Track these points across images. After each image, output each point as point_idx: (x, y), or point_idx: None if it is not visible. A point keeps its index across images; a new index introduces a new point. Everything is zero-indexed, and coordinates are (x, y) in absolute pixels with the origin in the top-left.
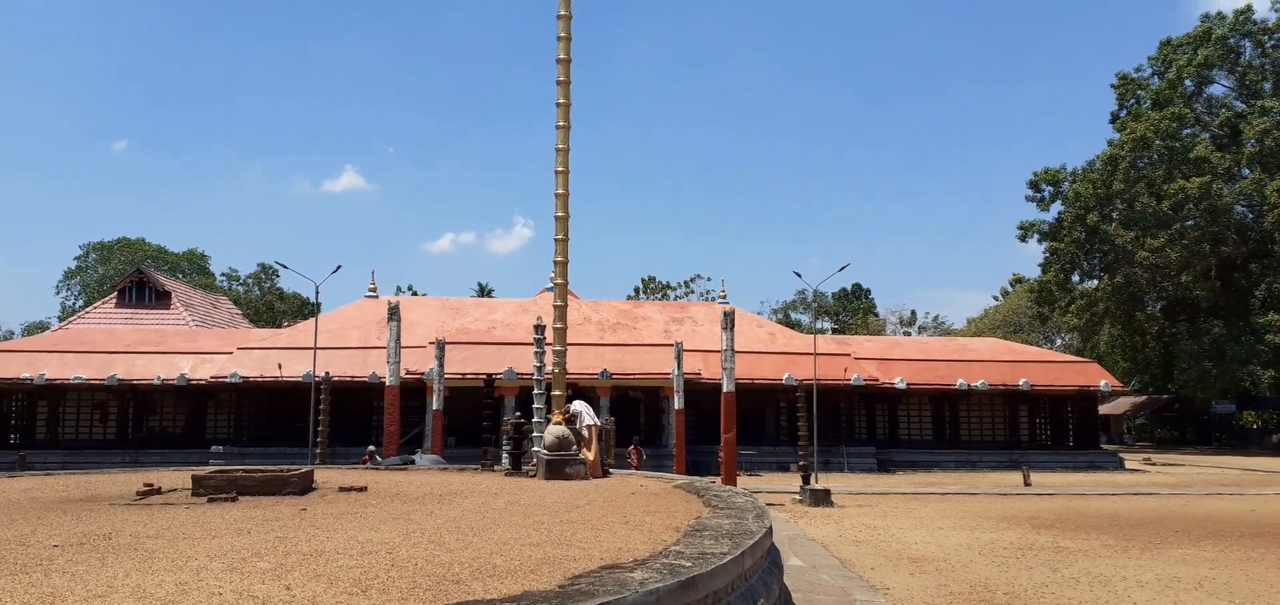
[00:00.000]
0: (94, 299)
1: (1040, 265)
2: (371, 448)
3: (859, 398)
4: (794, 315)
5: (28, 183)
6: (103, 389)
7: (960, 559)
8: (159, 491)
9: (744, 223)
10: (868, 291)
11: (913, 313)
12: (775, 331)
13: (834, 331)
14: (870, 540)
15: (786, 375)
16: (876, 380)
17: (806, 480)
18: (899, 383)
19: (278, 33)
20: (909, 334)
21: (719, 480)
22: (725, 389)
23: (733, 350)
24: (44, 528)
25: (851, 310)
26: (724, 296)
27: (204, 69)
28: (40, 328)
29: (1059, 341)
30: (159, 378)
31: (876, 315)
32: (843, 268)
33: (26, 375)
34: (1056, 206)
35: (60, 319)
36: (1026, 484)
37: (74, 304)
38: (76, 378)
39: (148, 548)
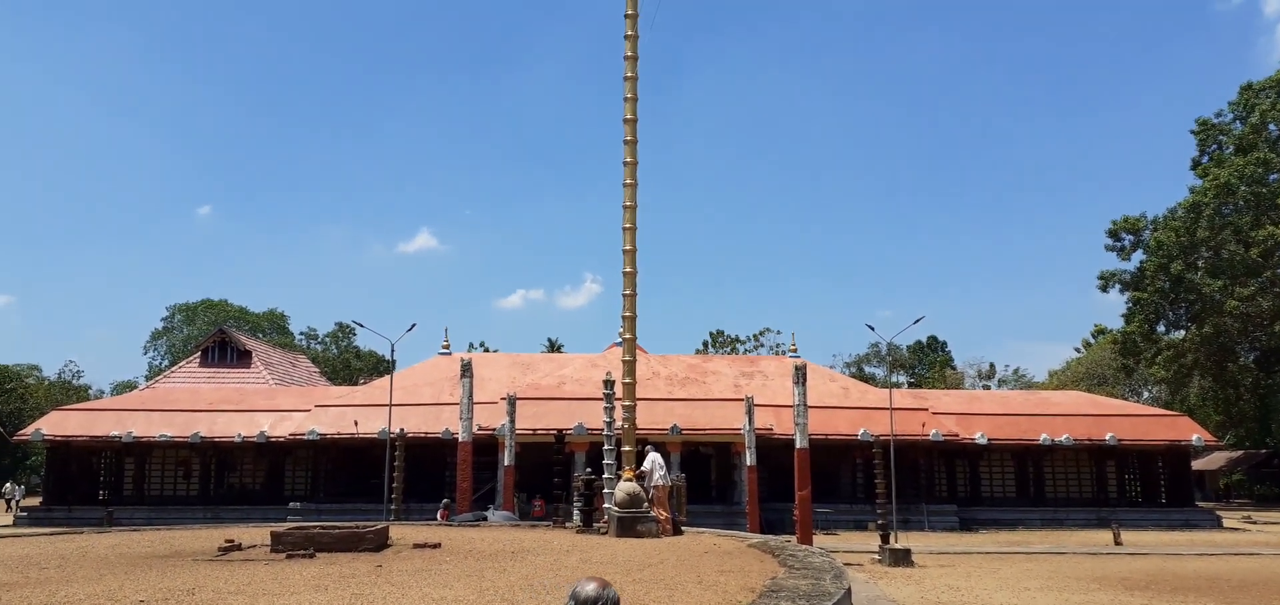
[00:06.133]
0: (179, 359)
1: (1123, 315)
2: (445, 501)
3: (938, 454)
4: (867, 369)
5: (117, 248)
6: (186, 446)
7: None
8: (239, 547)
9: (814, 276)
10: (944, 344)
11: (991, 365)
12: (849, 386)
13: (909, 386)
14: (954, 602)
15: (862, 431)
16: (956, 436)
17: (885, 539)
18: (980, 438)
19: (353, 102)
20: (988, 387)
21: (794, 539)
22: (799, 445)
23: (805, 405)
24: (131, 583)
25: (927, 363)
26: (795, 350)
27: (283, 137)
28: (128, 387)
29: (1146, 394)
30: (239, 435)
31: (954, 368)
32: (917, 321)
33: (115, 433)
34: (1138, 255)
35: (147, 378)
36: (1117, 543)
37: (160, 364)
38: (162, 435)
39: None
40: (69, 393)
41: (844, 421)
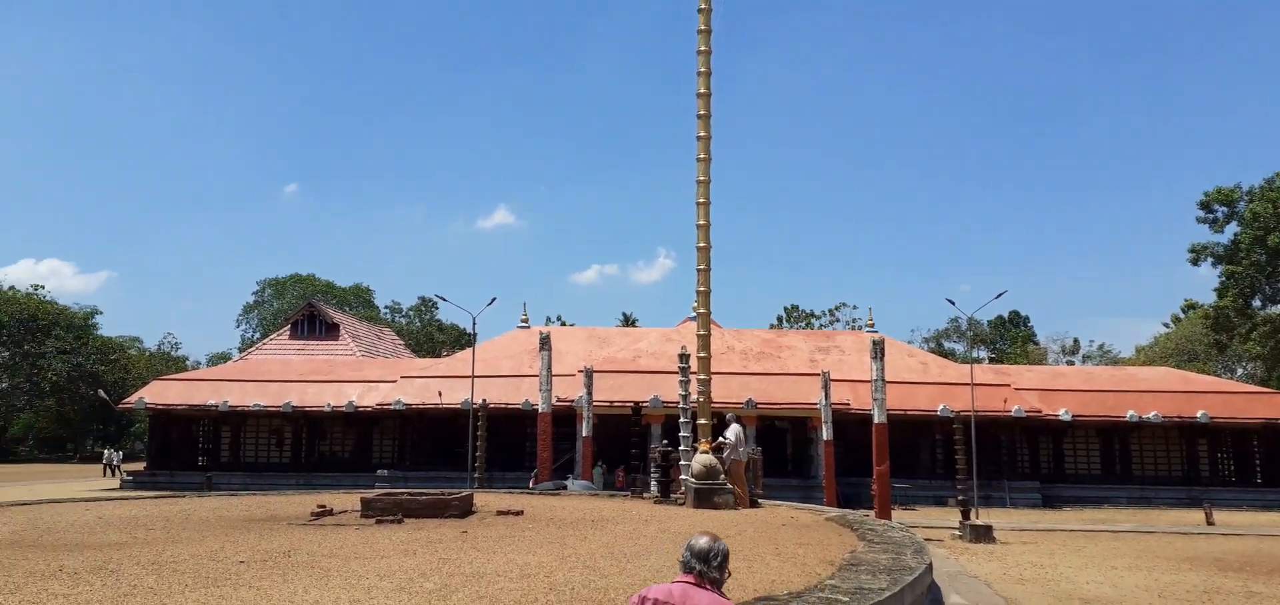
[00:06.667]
0: (270, 331)
1: (1216, 290)
2: (536, 473)
3: (1020, 430)
4: (946, 344)
5: (210, 226)
6: (279, 415)
7: (1138, 602)
8: (331, 513)
9: (891, 250)
10: (1026, 319)
11: (1075, 341)
12: (928, 361)
13: (990, 361)
14: (1037, 579)
15: (941, 406)
16: (1039, 412)
17: (966, 515)
18: (1064, 414)
19: (432, 86)
20: (1072, 363)
21: (872, 514)
22: (877, 420)
23: (883, 380)
24: (231, 545)
25: (1009, 339)
26: (872, 325)
27: (365, 120)
28: (223, 358)
29: (1240, 371)
30: (329, 405)
31: (1036, 344)
32: (999, 295)
33: (212, 402)
34: (1231, 227)
35: (240, 350)
36: (1209, 523)
37: (252, 336)
38: (255, 405)
39: (323, 566)
40: (168, 364)
41: (923, 397)
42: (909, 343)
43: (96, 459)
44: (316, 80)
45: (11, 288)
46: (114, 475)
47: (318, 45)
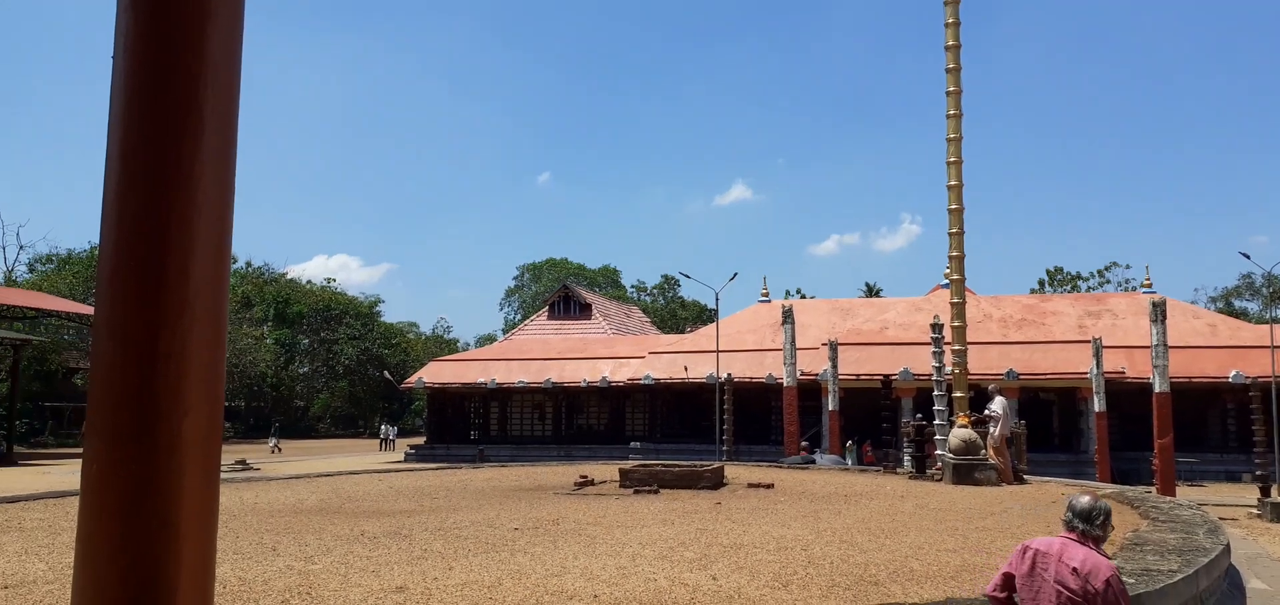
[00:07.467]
0: (530, 313)
1: None
2: (805, 444)
3: None
4: (1238, 304)
5: (473, 216)
6: (540, 391)
7: None
8: (592, 483)
9: (1168, 202)
10: None
11: None
12: (1216, 322)
13: None
14: None
15: (1234, 372)
16: None
17: (1265, 491)
18: None
19: (668, 63)
20: None
21: (1153, 490)
22: (1157, 389)
23: (1165, 345)
24: (505, 513)
25: None
26: (1149, 285)
27: (606, 107)
28: (489, 340)
29: None
30: (584, 381)
31: None
32: None
33: (481, 380)
34: None
35: (504, 331)
36: None
37: (514, 318)
38: (519, 382)
39: (589, 534)
40: (442, 346)
41: (1211, 362)
42: (1193, 303)
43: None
44: (562, 75)
45: (309, 281)
46: (392, 447)
47: (562, 41)
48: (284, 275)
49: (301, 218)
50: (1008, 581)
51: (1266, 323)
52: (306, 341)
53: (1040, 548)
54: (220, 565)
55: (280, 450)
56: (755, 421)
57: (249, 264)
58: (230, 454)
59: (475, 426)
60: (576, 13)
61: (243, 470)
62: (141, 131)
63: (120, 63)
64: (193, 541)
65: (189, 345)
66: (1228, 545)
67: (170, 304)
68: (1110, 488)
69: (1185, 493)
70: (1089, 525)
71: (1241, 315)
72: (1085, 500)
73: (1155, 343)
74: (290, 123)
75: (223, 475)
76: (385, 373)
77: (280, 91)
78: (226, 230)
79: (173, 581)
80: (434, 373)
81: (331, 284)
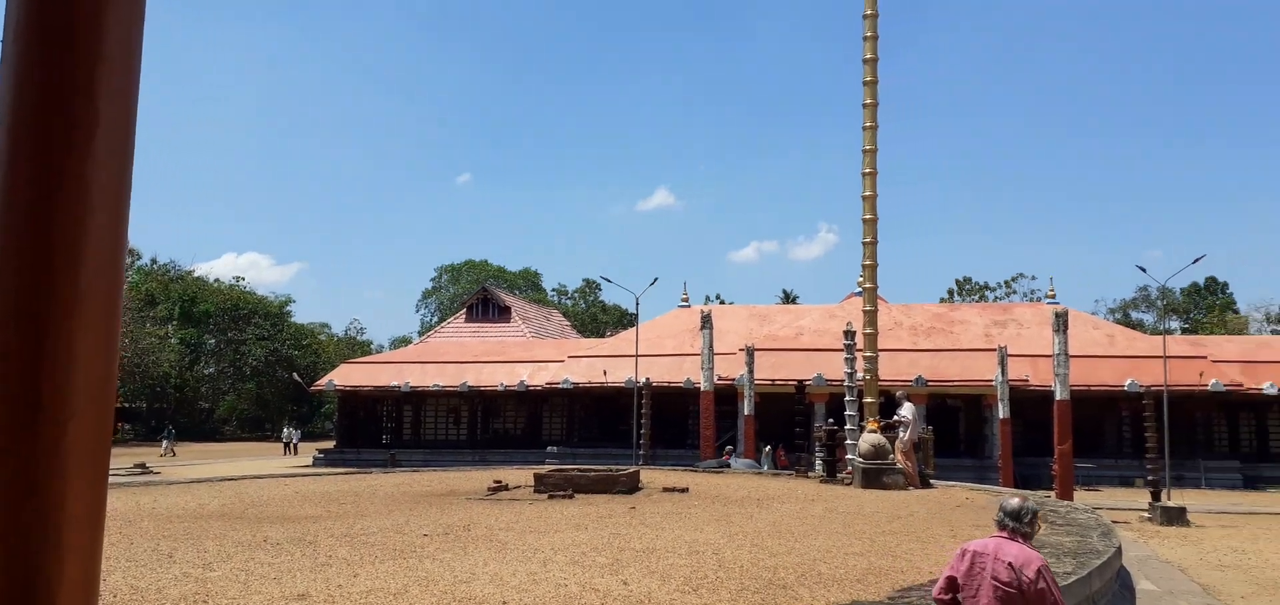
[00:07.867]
0: (447, 315)
1: None
2: (728, 447)
3: (1218, 406)
4: (1135, 315)
5: (390, 216)
6: (456, 395)
7: None
8: (506, 488)
9: (1071, 217)
10: (1224, 286)
11: None
12: (1115, 333)
13: (1183, 332)
14: (1239, 565)
15: (1129, 381)
16: (1240, 385)
17: (1156, 496)
18: (1269, 388)
19: (590, 69)
20: (1278, 333)
21: (1052, 495)
22: (1058, 396)
23: (1066, 354)
24: (415, 518)
25: (1205, 308)
26: (1053, 296)
27: (528, 108)
28: (404, 342)
29: None
30: (502, 384)
31: (1236, 312)
32: (1197, 260)
33: (395, 383)
34: None
35: (420, 333)
36: None
37: (431, 320)
38: (435, 385)
39: (501, 540)
40: (354, 348)
41: (1109, 371)
42: (1093, 314)
43: None
44: (483, 72)
45: (217, 280)
46: (294, 452)
47: (482, 36)
48: (191, 273)
49: (210, 214)
50: (951, 584)
51: (1160, 334)
52: (213, 342)
53: (977, 548)
54: (112, 573)
55: (175, 453)
56: (672, 426)
57: (154, 261)
58: (129, 457)
59: (388, 431)
60: (500, 10)
61: (142, 474)
62: (30, 125)
63: (9, 50)
64: (77, 550)
65: (77, 347)
66: (1119, 548)
67: (58, 305)
68: (1013, 493)
69: (1083, 497)
70: (1019, 523)
71: (1138, 326)
72: (1015, 501)
73: (1057, 352)
74: (199, 115)
75: (120, 479)
76: (294, 375)
77: (189, 82)
78: (121, 230)
79: (53, 591)
80: (345, 375)
81: (241, 283)
